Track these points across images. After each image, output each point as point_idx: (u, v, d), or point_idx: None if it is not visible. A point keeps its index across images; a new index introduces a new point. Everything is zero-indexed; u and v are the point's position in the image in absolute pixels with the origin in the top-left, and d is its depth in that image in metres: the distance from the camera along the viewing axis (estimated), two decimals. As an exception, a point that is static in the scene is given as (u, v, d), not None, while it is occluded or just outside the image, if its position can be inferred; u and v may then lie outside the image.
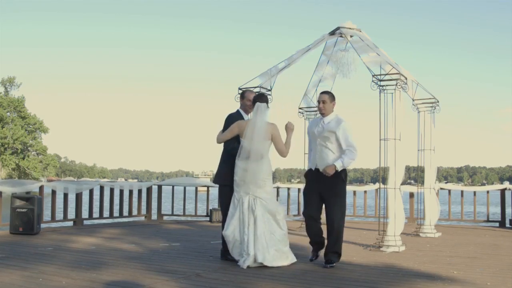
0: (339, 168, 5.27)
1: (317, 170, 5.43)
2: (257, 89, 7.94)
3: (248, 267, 5.16)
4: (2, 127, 56.70)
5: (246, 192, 5.36)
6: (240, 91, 6.95)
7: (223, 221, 5.61)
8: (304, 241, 7.55)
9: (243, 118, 5.72)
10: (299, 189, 11.92)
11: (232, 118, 5.71)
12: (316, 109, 9.42)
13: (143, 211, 10.87)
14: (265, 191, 5.38)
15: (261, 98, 5.55)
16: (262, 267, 5.19)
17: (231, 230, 5.39)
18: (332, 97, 5.47)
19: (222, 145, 5.81)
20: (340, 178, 5.32)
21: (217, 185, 5.90)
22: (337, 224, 5.32)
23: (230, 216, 5.44)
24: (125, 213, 10.33)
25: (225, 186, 5.63)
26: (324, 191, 5.37)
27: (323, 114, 5.47)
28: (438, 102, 8.68)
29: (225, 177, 5.61)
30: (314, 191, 5.45)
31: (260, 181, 5.34)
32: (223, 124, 5.79)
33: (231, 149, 5.56)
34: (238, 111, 5.84)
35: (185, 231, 9.01)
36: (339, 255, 5.46)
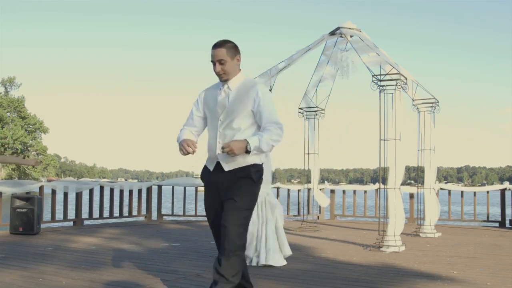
0: (253, 148, 3.05)
1: (217, 167, 3.26)
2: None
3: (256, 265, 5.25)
4: (2, 127, 56.71)
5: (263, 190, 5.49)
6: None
7: None
8: (304, 241, 7.56)
9: None
10: (299, 190, 11.92)
11: None
12: (316, 109, 9.42)
13: (143, 211, 10.86)
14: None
15: None
16: (263, 267, 5.21)
17: (250, 230, 5.40)
18: (233, 49, 3.29)
19: None
20: (249, 178, 3.22)
21: None
22: (234, 239, 3.09)
23: None
24: (125, 213, 10.33)
25: None
26: (225, 196, 3.24)
27: (226, 80, 3.30)
28: (438, 102, 8.68)
29: None
30: (217, 202, 3.29)
31: (270, 178, 5.58)
32: None
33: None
34: None
35: (185, 231, 9.01)
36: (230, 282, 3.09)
